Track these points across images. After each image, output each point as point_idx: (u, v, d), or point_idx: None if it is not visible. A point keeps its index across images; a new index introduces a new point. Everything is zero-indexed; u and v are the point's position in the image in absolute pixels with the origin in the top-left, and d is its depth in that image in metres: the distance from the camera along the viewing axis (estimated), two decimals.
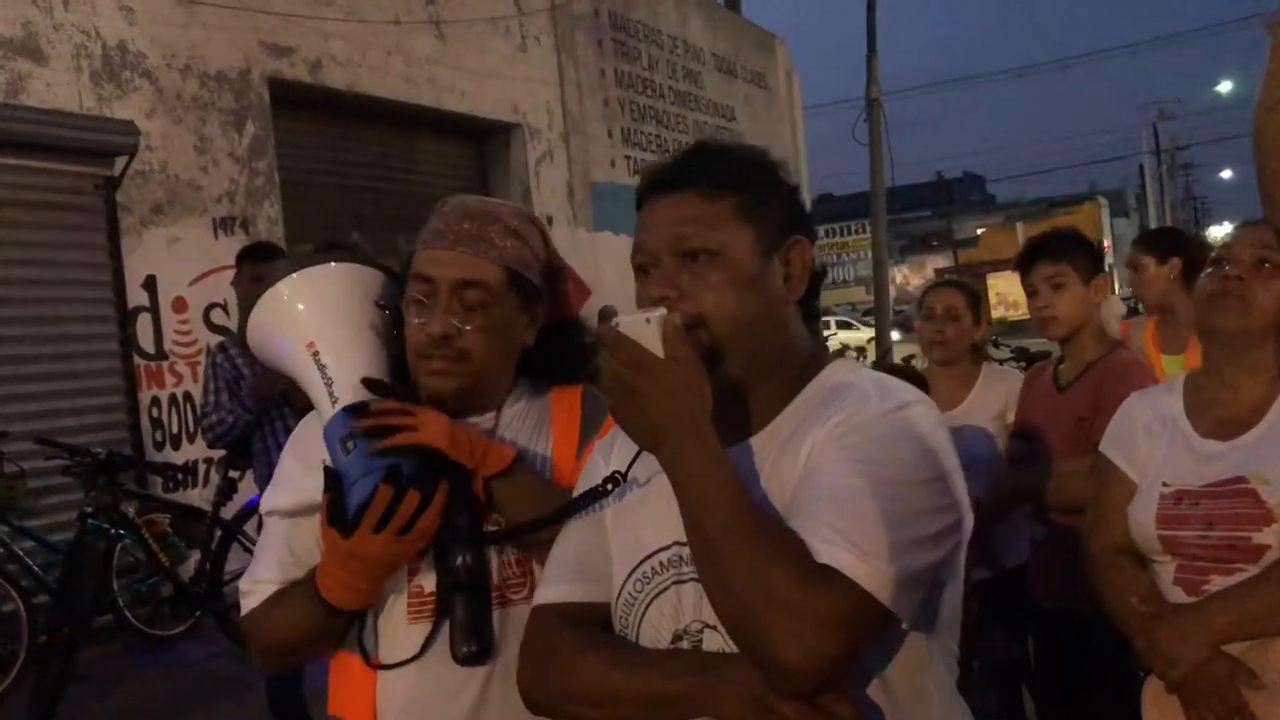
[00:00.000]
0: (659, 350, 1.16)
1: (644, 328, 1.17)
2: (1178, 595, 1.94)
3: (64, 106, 6.77)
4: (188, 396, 7.32)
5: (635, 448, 1.26)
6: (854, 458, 1.17)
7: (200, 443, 7.09)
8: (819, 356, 1.35)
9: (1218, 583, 1.89)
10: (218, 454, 6.18)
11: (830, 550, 1.10)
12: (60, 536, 5.86)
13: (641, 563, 1.30)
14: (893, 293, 20.64)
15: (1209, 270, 2.05)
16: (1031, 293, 3.01)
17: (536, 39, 11.29)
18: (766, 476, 1.24)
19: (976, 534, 2.81)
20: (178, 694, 5.53)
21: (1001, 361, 6.58)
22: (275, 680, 4.46)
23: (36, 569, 5.70)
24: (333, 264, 1.62)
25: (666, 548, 1.28)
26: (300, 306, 1.60)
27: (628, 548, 1.32)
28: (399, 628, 1.55)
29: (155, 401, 7.21)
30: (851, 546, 1.11)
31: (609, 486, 1.33)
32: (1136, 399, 2.18)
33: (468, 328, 1.56)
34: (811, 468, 1.20)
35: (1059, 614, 2.81)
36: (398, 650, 1.54)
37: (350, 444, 1.48)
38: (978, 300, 3.65)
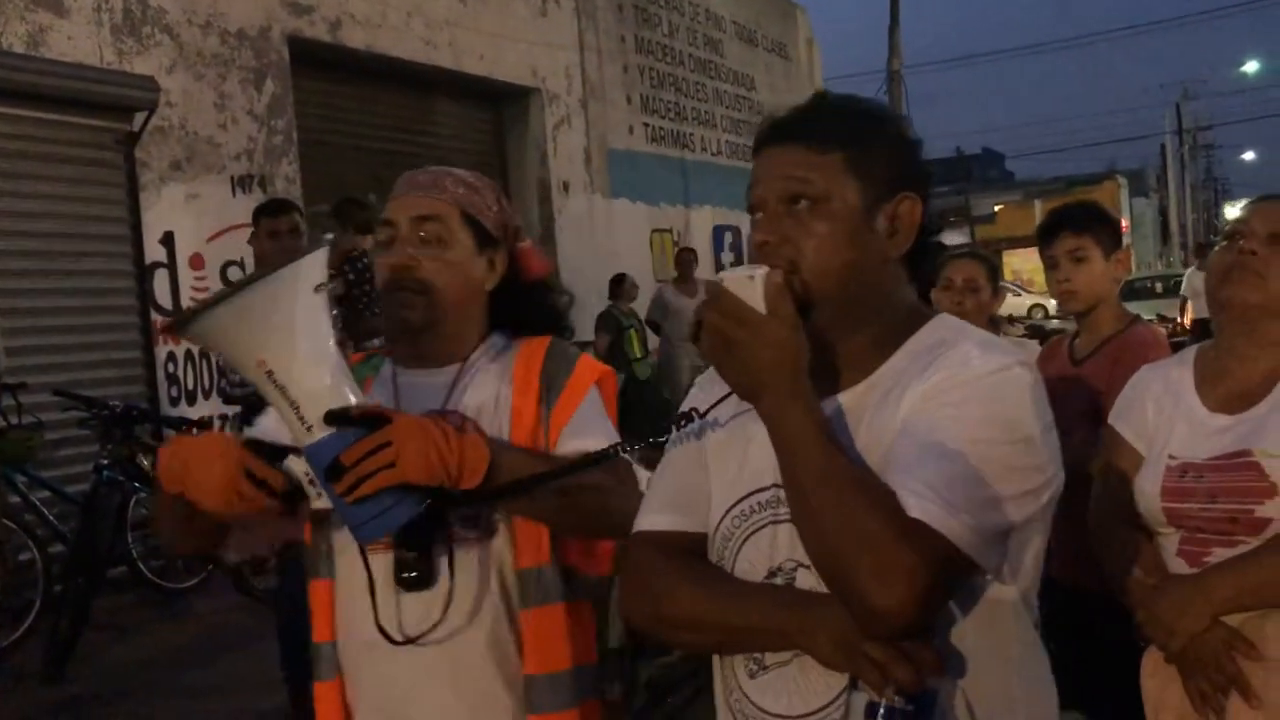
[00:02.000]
0: (761, 306, 1.21)
1: (748, 284, 1.22)
2: (1180, 567, 1.96)
3: (84, 60, 6.79)
4: (204, 353, 7.37)
5: (726, 389, 1.32)
6: (951, 416, 1.22)
7: (215, 399, 7.15)
8: (920, 313, 1.38)
9: (1219, 555, 1.90)
10: (232, 410, 6.23)
11: (921, 504, 1.16)
12: (76, 488, 5.93)
13: (741, 500, 1.36)
14: None
15: (1223, 244, 2.05)
16: (1052, 265, 2.95)
17: (557, 3, 11.23)
18: (865, 427, 1.29)
19: None
20: (189, 645, 5.61)
21: (1018, 337, 6.56)
22: (287, 633, 4.52)
23: (52, 519, 5.78)
24: (269, 279, 1.45)
25: (766, 489, 1.33)
26: (246, 328, 1.47)
27: (727, 485, 1.38)
28: (354, 557, 1.65)
29: (171, 357, 7.27)
30: (941, 501, 1.16)
31: (681, 423, 1.39)
32: (1147, 371, 2.18)
33: (426, 259, 1.69)
34: (909, 423, 1.24)
35: (1071, 587, 2.82)
36: (355, 577, 1.64)
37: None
38: (996, 272, 3.63)
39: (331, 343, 1.51)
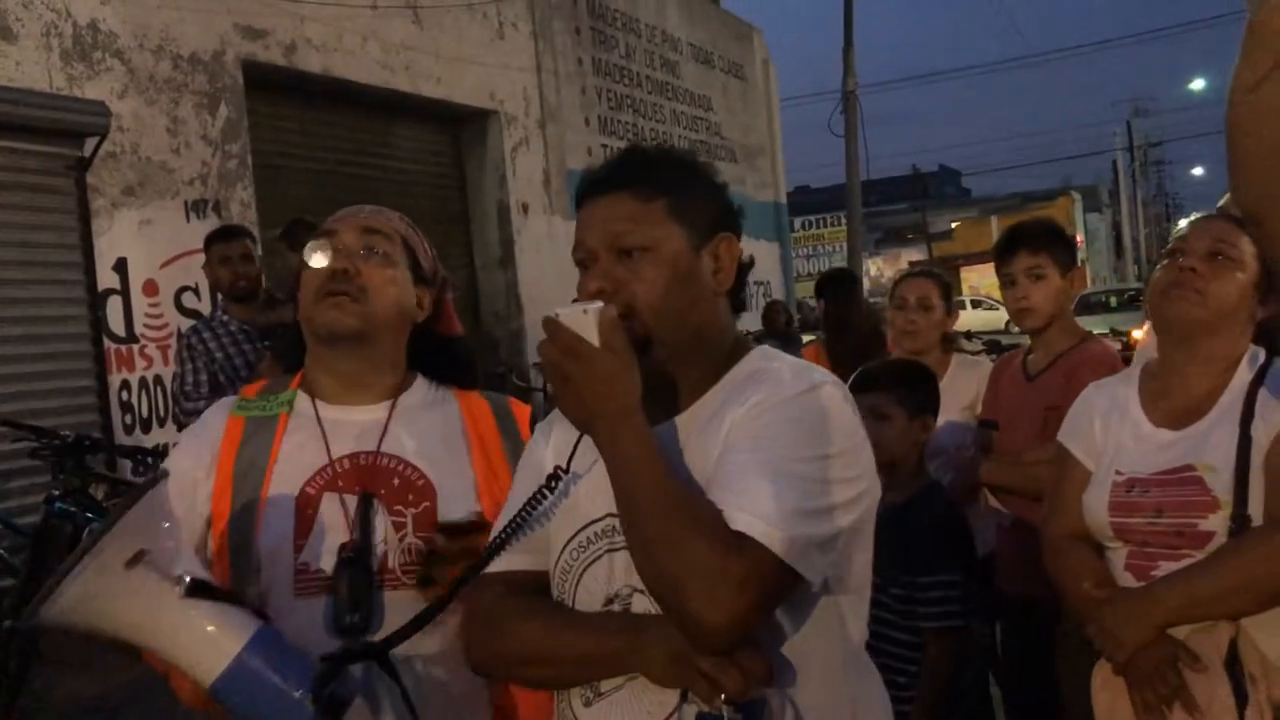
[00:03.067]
0: (595, 340, 1.26)
1: (582, 318, 1.27)
2: (1129, 581, 1.99)
3: (34, 86, 6.70)
4: (158, 380, 7.27)
5: (574, 432, 1.36)
6: (767, 435, 1.28)
7: (170, 427, 7.06)
8: (743, 344, 1.45)
9: (1166, 568, 1.93)
10: None
11: (743, 518, 1.21)
12: (27, 520, 5.81)
13: (578, 533, 1.40)
14: (867, 285, 20.71)
15: (1164, 262, 2.08)
16: (1009, 282, 2.97)
17: (514, 25, 11.25)
18: (690, 452, 1.35)
19: (957, 520, 2.86)
20: (144, 679, 5.50)
21: (975, 354, 6.61)
22: None
23: (2, 552, 5.66)
24: (71, 578, 1.31)
25: (600, 519, 1.38)
26: (91, 619, 1.38)
27: (564, 519, 1.42)
28: (286, 602, 1.61)
29: (125, 385, 7.16)
30: (763, 515, 1.21)
31: (553, 485, 1.41)
32: (1094, 389, 2.22)
33: (369, 268, 1.67)
34: (730, 443, 1.30)
35: (1025, 601, 2.85)
36: (283, 624, 1.57)
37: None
38: (949, 290, 3.67)
39: (176, 593, 1.39)
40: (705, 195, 1.43)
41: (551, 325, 1.27)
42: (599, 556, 1.37)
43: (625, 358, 1.27)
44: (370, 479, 1.65)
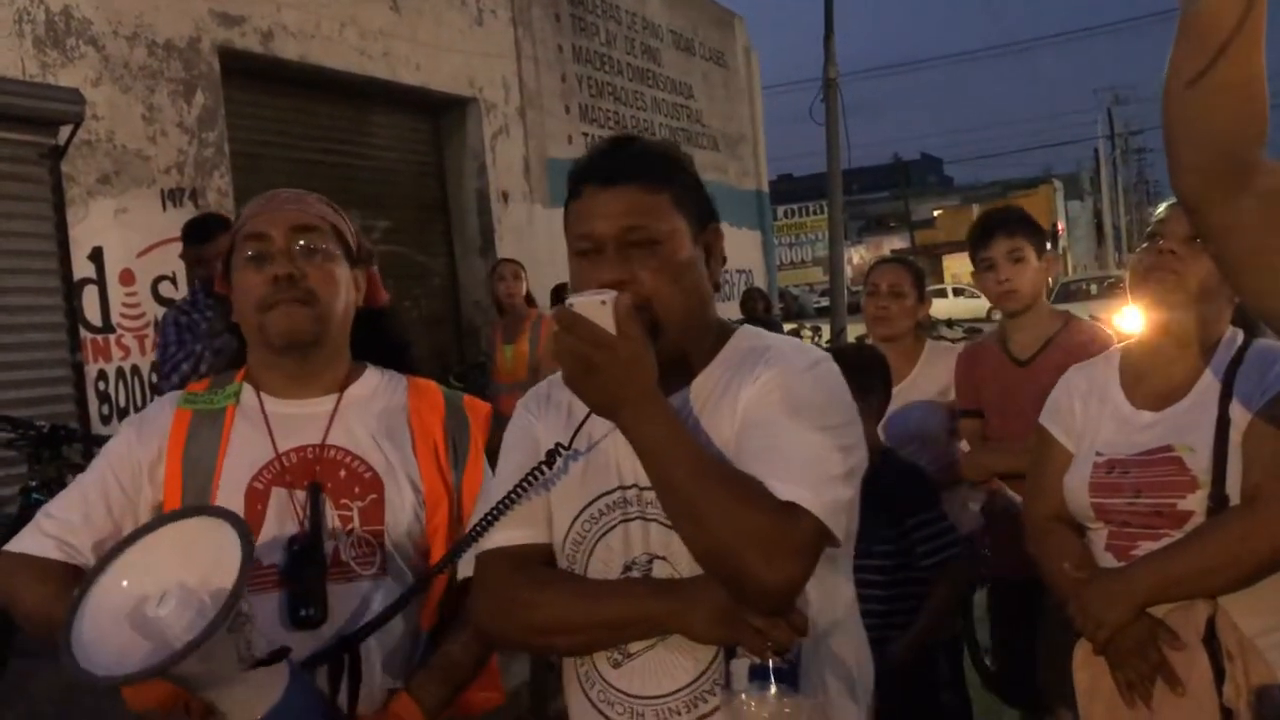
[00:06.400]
0: (612, 328, 1.31)
1: (599, 309, 1.31)
2: (1109, 561, 2.00)
3: (6, 73, 6.62)
4: (135, 370, 7.22)
5: (567, 414, 1.44)
6: (787, 410, 1.36)
7: None
8: (726, 325, 1.54)
9: (1146, 548, 1.94)
10: None
11: (790, 489, 1.29)
12: (3, 511, 5.77)
13: (588, 505, 1.45)
14: (849, 273, 20.79)
15: (1143, 245, 2.09)
16: (989, 267, 2.98)
17: (493, 13, 11.19)
18: (701, 425, 1.42)
19: (920, 469, 2.93)
20: None
21: (955, 341, 6.64)
22: None
23: None
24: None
25: (612, 491, 1.44)
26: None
27: (571, 494, 1.47)
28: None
29: (102, 375, 7.10)
30: (805, 484, 1.30)
31: (552, 461, 1.44)
32: (1075, 371, 2.22)
33: (311, 269, 1.63)
34: (750, 421, 1.38)
35: (1020, 582, 2.86)
36: None
37: None
38: (922, 278, 3.69)
39: (241, 667, 1.38)
40: (697, 186, 1.50)
41: (569, 316, 1.31)
42: (613, 526, 1.43)
43: (643, 343, 1.32)
44: (317, 472, 1.62)
